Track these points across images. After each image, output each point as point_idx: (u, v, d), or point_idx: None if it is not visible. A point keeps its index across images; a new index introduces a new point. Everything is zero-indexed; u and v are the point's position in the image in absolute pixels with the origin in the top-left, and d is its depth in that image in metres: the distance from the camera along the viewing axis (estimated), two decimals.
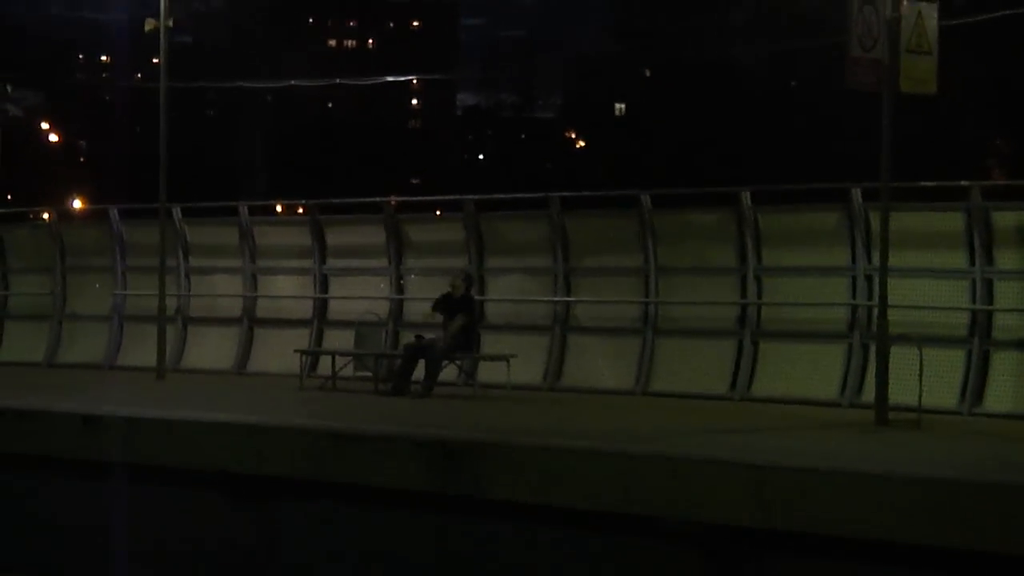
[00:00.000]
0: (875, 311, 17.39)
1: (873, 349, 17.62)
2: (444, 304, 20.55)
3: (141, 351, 24.58)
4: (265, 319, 24.57)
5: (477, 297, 21.80)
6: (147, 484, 16.25)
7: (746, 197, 20.12)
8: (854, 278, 19.25)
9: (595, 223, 22.13)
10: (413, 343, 20.71)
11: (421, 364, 20.33)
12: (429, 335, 20.65)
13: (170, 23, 23.48)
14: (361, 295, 23.40)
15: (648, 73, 68.98)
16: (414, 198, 37.79)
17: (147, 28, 23.71)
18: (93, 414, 17.09)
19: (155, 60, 28.09)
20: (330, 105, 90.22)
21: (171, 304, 24.43)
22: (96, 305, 26.12)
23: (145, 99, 61.24)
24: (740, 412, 18.52)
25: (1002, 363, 18.10)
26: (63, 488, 17.01)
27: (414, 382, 20.33)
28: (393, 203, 24.20)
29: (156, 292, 23.51)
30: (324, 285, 24.06)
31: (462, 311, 20.38)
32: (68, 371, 25.10)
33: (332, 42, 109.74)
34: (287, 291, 24.53)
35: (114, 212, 26.44)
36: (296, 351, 22.35)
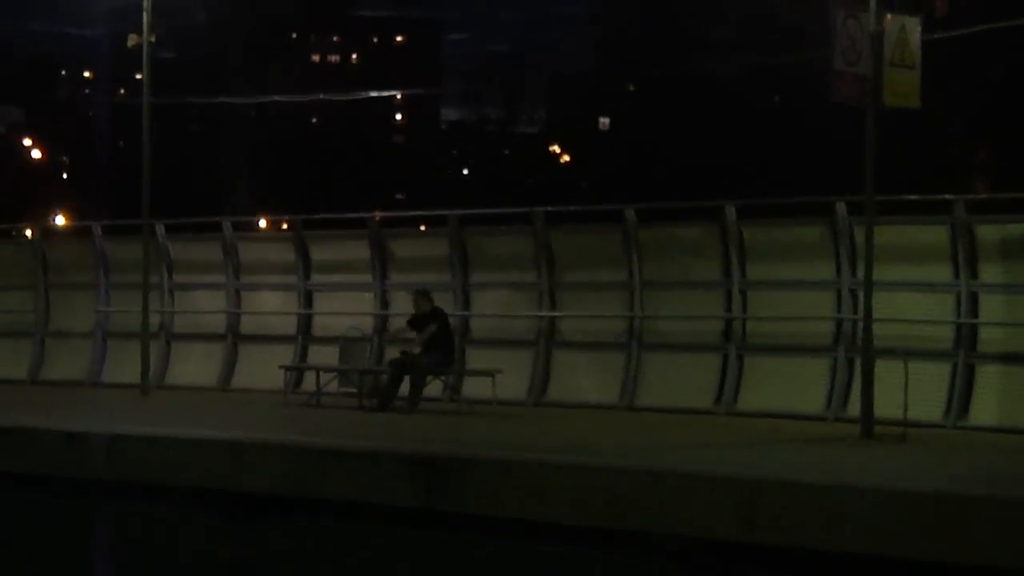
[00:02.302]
0: (860, 325, 17.39)
1: (858, 363, 17.61)
2: (416, 324, 20.57)
3: (125, 368, 24.51)
4: (249, 335, 24.51)
5: (461, 312, 21.77)
6: (131, 501, 16.18)
7: (731, 211, 20.13)
8: (839, 292, 19.25)
9: (580, 238, 22.13)
10: (399, 358, 20.67)
11: (406, 380, 20.30)
12: (415, 350, 20.62)
13: (153, 39, 23.46)
14: (346, 311, 23.36)
15: (632, 88, 69.10)
16: (398, 213, 37.76)
17: (130, 44, 23.82)
18: (77, 431, 17.02)
19: (138, 76, 28.07)
20: (314, 120, 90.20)
21: (155, 320, 24.36)
22: (80, 322, 26.05)
23: (128, 115, 61.14)
24: (725, 426, 18.50)
25: (987, 376, 18.11)
26: (46, 505, 16.93)
27: (399, 398, 20.30)
28: (377, 218, 24.18)
29: (140, 309, 23.44)
30: (308, 301, 24.02)
31: (433, 322, 20.40)
32: (52, 388, 25.01)
33: (315, 57, 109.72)
34: (271, 307, 24.48)
35: (97, 229, 26.38)
36: (280, 367, 22.29)
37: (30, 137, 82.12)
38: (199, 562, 15.87)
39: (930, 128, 45.27)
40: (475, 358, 21.72)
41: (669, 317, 20.72)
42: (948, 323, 18.34)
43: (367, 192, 68.21)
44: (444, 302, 21.87)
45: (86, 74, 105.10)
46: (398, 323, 22.06)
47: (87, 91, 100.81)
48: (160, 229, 25.18)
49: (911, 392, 16.71)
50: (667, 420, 19.15)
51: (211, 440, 16.24)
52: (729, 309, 20.14)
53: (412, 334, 20.54)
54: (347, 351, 21.87)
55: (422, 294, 20.85)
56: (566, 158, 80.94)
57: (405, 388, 20.31)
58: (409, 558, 14.55)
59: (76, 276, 26.36)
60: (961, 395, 18.07)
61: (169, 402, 22.12)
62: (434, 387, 20.86)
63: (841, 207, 19.15)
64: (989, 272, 18.24)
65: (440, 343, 20.40)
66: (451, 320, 21.17)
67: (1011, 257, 18.15)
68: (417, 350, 20.44)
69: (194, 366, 24.82)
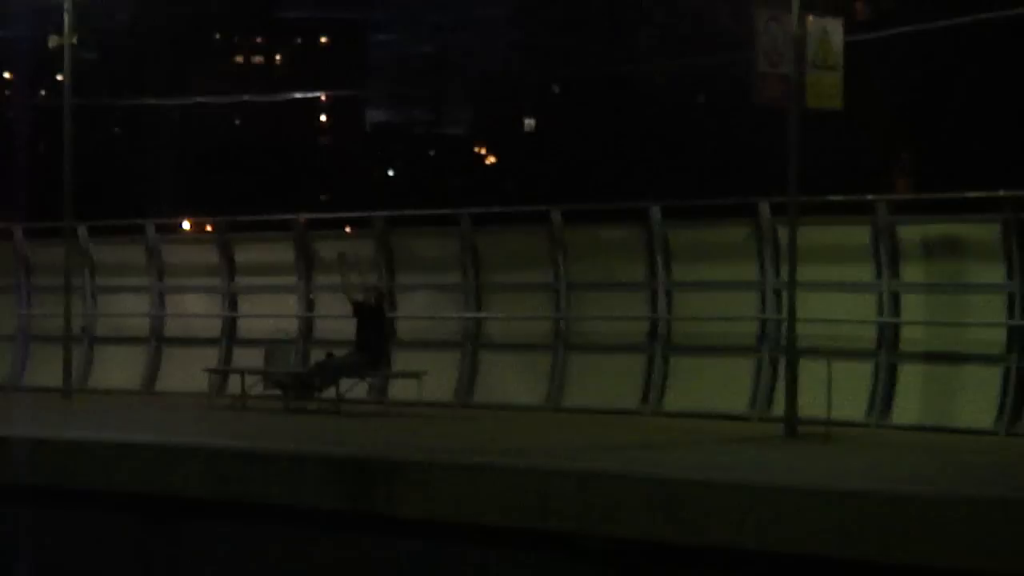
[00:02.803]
0: (784, 325, 17.51)
1: (782, 362, 17.74)
2: (359, 309, 20.45)
3: (47, 371, 24.25)
4: (173, 338, 24.34)
5: (389, 315, 21.72)
6: (53, 507, 16.02)
7: (656, 212, 20.21)
8: (763, 292, 19.37)
9: (505, 239, 22.14)
10: (324, 360, 20.59)
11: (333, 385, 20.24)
12: (340, 352, 20.55)
13: (74, 40, 23.24)
14: (271, 313, 23.24)
15: (557, 89, 69.22)
16: (324, 215, 37.60)
17: (51, 44, 23.46)
18: None
19: (59, 77, 27.82)
20: (237, 122, 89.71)
21: (77, 323, 24.14)
22: (0, 325, 25.75)
23: (49, 116, 60.54)
24: (652, 426, 18.57)
25: (909, 375, 18.27)
26: None
27: (324, 400, 20.22)
28: (303, 220, 24.08)
29: (62, 312, 23.22)
30: (233, 303, 23.89)
31: (375, 318, 20.32)
32: None
33: (239, 58, 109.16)
34: (196, 309, 24.32)
35: (18, 231, 26.11)
36: (205, 370, 22.15)
37: None
38: (122, 567, 15.74)
39: (852, 129, 45.65)
40: (402, 360, 21.67)
41: (595, 318, 20.78)
42: (871, 323, 18.50)
43: (292, 194, 67.92)
44: None
45: (6, 75, 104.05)
46: (329, 326, 21.93)
47: (7, 92, 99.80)
48: (83, 231, 24.96)
49: (834, 391, 16.84)
50: (594, 420, 19.20)
51: (135, 444, 16.11)
52: (654, 310, 20.21)
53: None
54: (273, 354, 21.77)
55: (376, 291, 20.71)
56: (492, 159, 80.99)
57: (331, 393, 20.23)
58: (336, 561, 14.50)
59: None
60: (884, 394, 18.23)
61: (92, 405, 21.93)
62: (360, 388, 20.79)
63: (765, 208, 19.27)
64: (911, 272, 18.41)
65: (372, 344, 20.31)
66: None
67: (932, 257, 18.33)
68: (350, 352, 20.32)
69: (118, 369, 24.61)
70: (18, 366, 25.48)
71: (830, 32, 16.90)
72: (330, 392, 20.26)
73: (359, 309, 20.42)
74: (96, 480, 15.81)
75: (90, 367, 24.80)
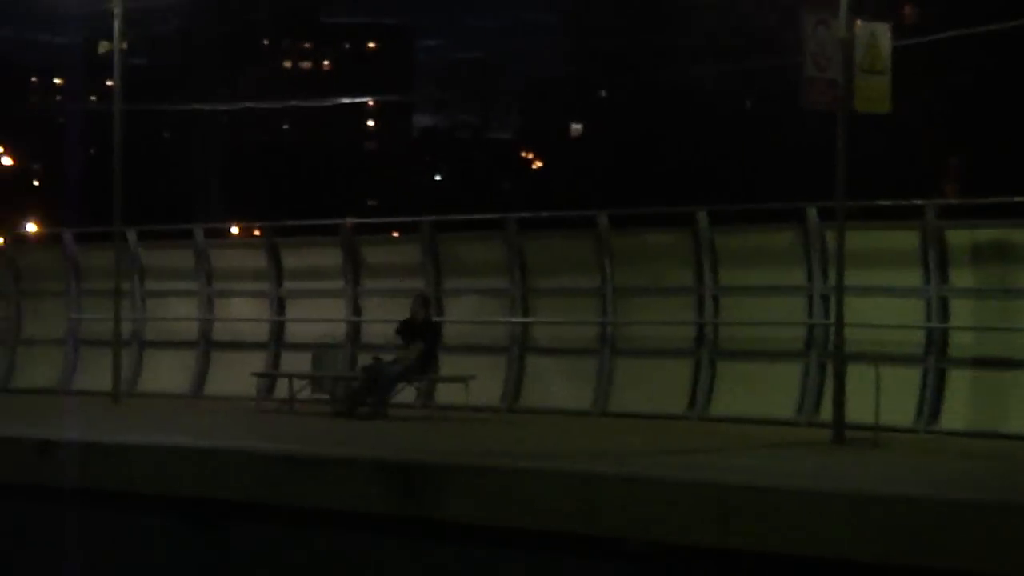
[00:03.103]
0: (832, 330, 17.45)
1: (830, 368, 17.67)
2: (405, 330, 20.52)
3: (97, 375, 24.41)
4: (221, 342, 24.45)
5: (435, 319, 21.77)
6: (102, 510, 16.12)
7: (703, 217, 20.17)
8: (810, 297, 19.31)
9: (552, 244, 22.14)
10: (371, 364, 20.64)
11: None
12: (387, 356, 20.60)
13: (124, 45, 23.39)
14: (318, 317, 23.32)
15: (604, 93, 69.17)
16: (371, 220, 37.75)
17: (101, 50, 23.70)
18: (48, 439, 16.95)
19: (109, 82, 28.00)
20: (286, 127, 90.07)
21: (127, 328, 24.29)
22: (51, 329, 25.95)
23: (99, 122, 60.98)
24: (698, 431, 18.53)
25: (957, 381, 18.18)
26: (18, 513, 16.86)
27: (368, 404, 20.26)
28: (350, 225, 24.15)
29: (111, 316, 23.36)
30: (281, 308, 23.97)
31: (422, 337, 20.32)
32: (23, 396, 24.91)
33: (287, 63, 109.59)
34: (243, 314, 24.42)
35: (68, 236, 26.30)
36: (253, 374, 22.24)
37: (1, 145, 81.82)
38: (171, 571, 15.82)
39: (901, 134, 45.45)
40: (448, 364, 21.70)
41: (642, 323, 20.75)
42: (919, 328, 18.41)
43: (340, 198, 68.14)
44: None
45: (57, 81, 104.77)
46: (376, 330, 21.97)
47: (58, 98, 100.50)
48: (132, 236, 25.11)
49: (883, 397, 16.76)
50: (640, 425, 19.17)
51: (183, 448, 16.19)
52: (701, 315, 20.17)
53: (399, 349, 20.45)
54: (320, 358, 21.84)
55: (422, 300, 20.75)
56: (538, 164, 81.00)
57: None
58: (382, 565, 14.53)
59: (47, 283, 26.26)
60: (932, 400, 18.14)
61: (141, 410, 22.05)
62: (408, 393, 20.84)
63: (812, 212, 19.21)
64: (959, 277, 18.31)
65: (424, 363, 20.35)
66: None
67: (981, 262, 18.23)
68: (397, 358, 20.34)
69: (166, 373, 24.75)
70: (68, 370, 25.66)
71: (878, 36, 16.84)
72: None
73: (407, 328, 20.43)
74: (144, 484, 15.89)
75: (139, 371, 24.95)
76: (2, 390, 25.96)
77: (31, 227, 59.28)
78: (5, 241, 28.37)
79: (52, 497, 16.46)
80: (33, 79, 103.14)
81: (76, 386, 25.27)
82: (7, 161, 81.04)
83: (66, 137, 76.65)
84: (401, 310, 20.99)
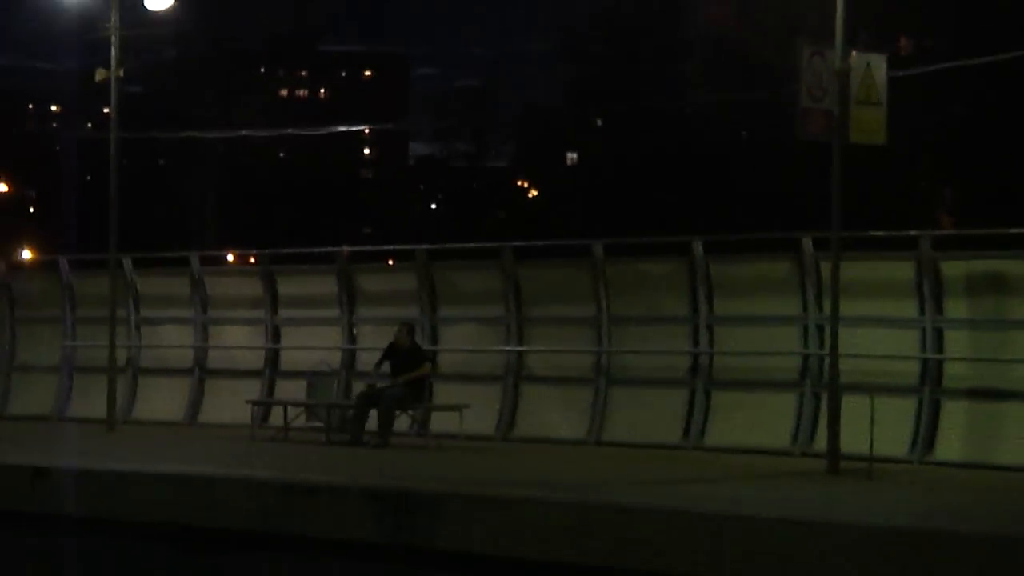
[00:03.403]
0: (827, 360, 17.46)
1: (825, 398, 17.68)
2: (391, 354, 20.53)
3: (91, 402, 24.40)
4: (217, 369, 24.44)
5: (429, 347, 21.76)
6: (97, 537, 16.08)
7: (698, 247, 20.20)
8: (806, 327, 19.33)
9: (548, 273, 22.16)
10: (365, 391, 20.65)
11: (374, 415, 20.27)
12: (382, 384, 20.60)
13: (121, 73, 23.44)
14: (313, 345, 23.32)
15: (599, 123, 69.29)
16: (366, 248, 37.75)
17: (98, 78, 23.68)
18: (42, 466, 16.92)
19: (106, 110, 28.10)
20: (282, 155, 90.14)
21: (122, 355, 24.28)
22: (45, 356, 25.92)
23: (95, 149, 61.03)
24: (693, 461, 18.53)
25: (952, 412, 18.19)
26: (11, 541, 16.82)
27: (369, 432, 20.26)
28: (345, 253, 24.17)
29: (106, 343, 23.35)
30: (276, 335, 23.98)
31: (411, 363, 20.34)
32: (17, 422, 24.87)
33: (284, 92, 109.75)
34: (239, 341, 24.42)
35: (64, 263, 26.30)
36: (248, 401, 22.24)
37: None
38: None
39: (895, 165, 45.53)
40: (443, 393, 21.70)
41: (637, 352, 20.76)
42: (914, 359, 18.43)
43: (335, 227, 68.15)
44: None
45: (53, 108, 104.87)
46: (371, 358, 21.99)
47: (54, 125, 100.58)
48: (127, 263, 25.11)
49: (877, 427, 16.76)
50: (635, 455, 19.16)
51: (178, 475, 16.17)
52: (696, 344, 20.19)
53: (386, 370, 20.48)
54: (315, 386, 21.83)
55: (406, 328, 20.78)
56: (534, 192, 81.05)
57: (373, 423, 20.27)
58: None
59: (42, 310, 26.24)
60: (927, 431, 18.15)
61: (135, 437, 22.03)
62: (401, 422, 20.83)
63: (808, 243, 19.24)
64: (954, 308, 18.33)
65: (419, 388, 20.36)
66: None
67: (976, 293, 18.26)
68: (390, 383, 20.37)
69: (161, 401, 24.73)
70: (62, 397, 25.63)
71: (874, 67, 16.88)
72: (371, 425, 20.28)
73: (393, 354, 20.47)
74: (138, 511, 15.87)
75: (134, 398, 24.93)
76: None
77: (26, 254, 59.28)
78: (0, 268, 28.32)
79: (46, 525, 16.43)
80: (30, 106, 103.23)
81: (70, 413, 25.24)
82: (2, 187, 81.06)
83: (62, 164, 76.72)
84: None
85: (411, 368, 20.32)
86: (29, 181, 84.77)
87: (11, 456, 18.07)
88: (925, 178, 52.07)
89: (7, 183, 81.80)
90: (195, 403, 24.37)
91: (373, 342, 22.61)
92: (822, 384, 18.35)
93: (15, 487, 16.80)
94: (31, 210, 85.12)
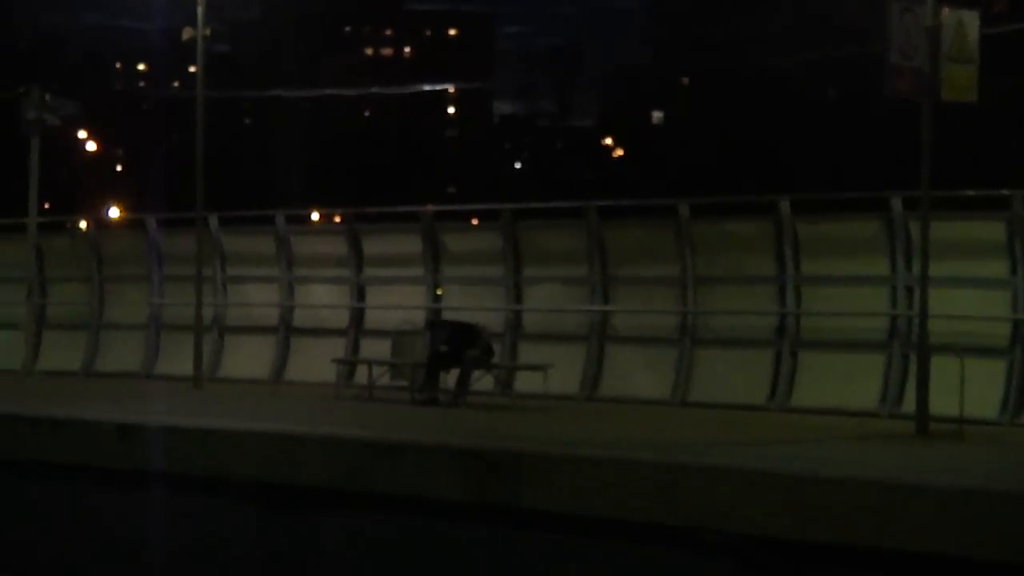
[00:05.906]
0: (915, 321, 17.25)
1: (913, 359, 17.47)
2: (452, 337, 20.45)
3: (178, 360, 24.61)
4: (302, 328, 24.56)
5: (513, 307, 21.73)
6: (183, 494, 16.23)
7: (785, 206, 20.01)
8: (894, 288, 19.11)
9: (632, 232, 22.04)
10: (435, 351, 20.60)
11: (451, 373, 20.29)
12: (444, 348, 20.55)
13: (207, 32, 23.53)
14: (398, 304, 23.37)
15: (686, 81, 68.89)
16: (451, 207, 37.78)
17: (184, 37, 23.85)
18: (129, 423, 17.09)
19: (192, 69, 28.21)
20: (367, 114, 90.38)
21: (208, 313, 24.45)
22: (133, 314, 26.17)
23: (182, 108, 61.44)
24: (779, 422, 18.40)
25: None
26: (100, 497, 17.01)
27: (444, 391, 20.29)
28: (430, 212, 24.18)
29: (193, 301, 23.52)
30: (361, 294, 24.04)
31: (472, 344, 20.29)
32: (105, 380, 25.15)
33: (369, 51, 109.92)
34: (324, 300, 24.52)
35: (151, 221, 26.51)
36: (333, 360, 22.32)
37: (85, 130, 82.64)
38: (251, 555, 15.91)
39: (987, 123, 44.95)
40: (527, 352, 21.69)
41: (722, 312, 20.63)
42: (1004, 320, 18.17)
43: (420, 186, 68.32)
44: (496, 296, 21.93)
45: (141, 67, 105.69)
46: (456, 317, 21.92)
47: (142, 84, 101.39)
48: (214, 222, 25.26)
49: (967, 389, 16.55)
50: (720, 416, 19.06)
51: (263, 433, 16.27)
52: (783, 305, 20.02)
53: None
54: (399, 345, 21.88)
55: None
56: (619, 152, 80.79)
57: (450, 382, 20.31)
58: (462, 551, 14.54)
59: (130, 268, 26.50)
60: (1017, 392, 17.91)
61: (222, 395, 22.19)
62: (486, 381, 20.84)
63: (897, 203, 19.00)
64: None
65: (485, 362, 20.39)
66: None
67: None
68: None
69: (247, 359, 24.90)
70: (150, 355, 25.87)
71: (966, 24, 16.60)
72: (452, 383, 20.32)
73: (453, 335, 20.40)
74: (224, 468, 15.98)
75: (220, 356, 25.11)
76: (85, 374, 26.22)
77: (114, 212, 59.87)
78: (89, 226, 28.60)
79: (133, 481, 16.60)
80: (118, 65, 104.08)
81: (158, 371, 25.49)
82: (91, 146, 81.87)
83: (150, 123, 77.32)
84: (480, 298, 20.94)
85: (471, 343, 20.26)
86: (117, 140, 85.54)
87: (99, 413, 18.25)
88: (1018, 137, 51.36)
89: (95, 142, 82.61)
90: (280, 361, 24.51)
91: (457, 301, 22.62)
92: (911, 345, 18.15)
93: (103, 444, 16.98)
94: (119, 169, 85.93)
